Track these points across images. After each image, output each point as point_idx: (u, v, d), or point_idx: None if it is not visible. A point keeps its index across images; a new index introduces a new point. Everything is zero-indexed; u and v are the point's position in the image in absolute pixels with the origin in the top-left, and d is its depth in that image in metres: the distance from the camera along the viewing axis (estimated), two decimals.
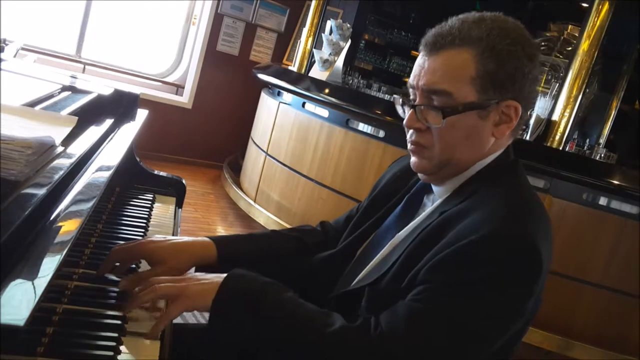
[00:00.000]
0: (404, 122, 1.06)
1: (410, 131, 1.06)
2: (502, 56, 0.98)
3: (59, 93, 1.44)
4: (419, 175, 1.11)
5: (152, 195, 1.67)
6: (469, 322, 0.89)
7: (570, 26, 5.75)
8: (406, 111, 1.07)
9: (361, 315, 1.00)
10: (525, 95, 1.02)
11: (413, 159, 1.09)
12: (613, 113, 5.53)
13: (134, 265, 1.17)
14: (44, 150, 0.90)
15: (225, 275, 0.99)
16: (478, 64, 0.98)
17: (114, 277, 1.10)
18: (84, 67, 5.03)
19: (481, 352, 0.92)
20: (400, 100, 1.09)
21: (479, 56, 0.98)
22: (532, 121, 3.75)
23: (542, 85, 5.42)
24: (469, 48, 0.99)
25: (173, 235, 1.48)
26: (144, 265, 1.17)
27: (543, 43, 5.80)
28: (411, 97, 1.06)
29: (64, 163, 0.97)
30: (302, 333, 0.93)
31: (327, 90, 3.96)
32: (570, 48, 5.52)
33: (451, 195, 1.06)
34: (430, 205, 1.12)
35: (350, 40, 4.76)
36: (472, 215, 0.95)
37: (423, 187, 1.16)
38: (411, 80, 1.06)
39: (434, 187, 1.12)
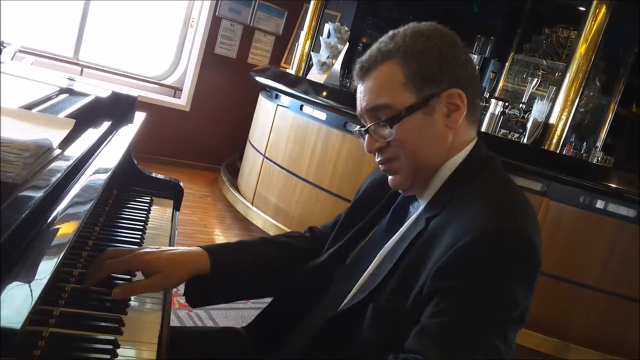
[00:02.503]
0: (365, 149, 1.11)
1: (376, 154, 1.11)
2: (422, 53, 1.04)
3: (57, 95, 1.44)
4: (400, 192, 1.14)
5: (149, 198, 1.67)
6: (494, 320, 0.88)
7: (560, 28, 5.78)
8: (365, 138, 1.11)
9: (366, 334, 0.99)
10: (461, 80, 1.05)
11: (389, 178, 1.13)
12: (610, 116, 5.55)
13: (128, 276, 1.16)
14: (41, 153, 0.90)
15: None
16: (403, 69, 1.04)
17: (115, 281, 1.10)
18: (82, 70, 5.02)
19: (512, 345, 0.91)
20: (358, 131, 1.13)
21: (402, 62, 1.04)
22: (529, 124, 3.75)
23: (538, 88, 5.43)
24: (391, 60, 1.05)
25: (170, 238, 1.48)
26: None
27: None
28: (363, 125, 1.11)
29: (62, 165, 0.97)
30: None
31: (324, 93, 3.97)
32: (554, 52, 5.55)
33: (433, 199, 1.07)
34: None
35: (348, 43, 4.77)
36: (461, 217, 0.96)
37: (407, 197, 1.17)
38: (357, 110, 1.12)
39: (417, 195, 1.13)
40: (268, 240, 1.37)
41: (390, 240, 1.09)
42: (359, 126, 1.13)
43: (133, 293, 1.07)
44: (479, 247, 0.90)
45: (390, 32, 1.10)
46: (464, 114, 1.05)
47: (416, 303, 0.95)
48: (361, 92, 1.10)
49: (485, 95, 4.96)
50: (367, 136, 1.09)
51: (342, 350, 1.03)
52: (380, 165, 1.12)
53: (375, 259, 1.10)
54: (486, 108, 4.06)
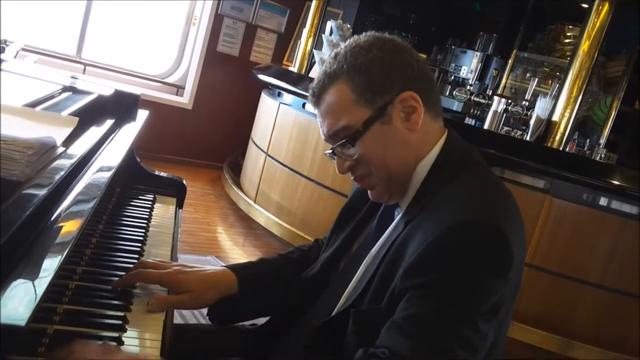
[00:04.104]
0: (337, 171, 1.12)
1: (349, 174, 1.12)
2: (366, 66, 1.05)
3: (60, 94, 1.44)
4: (383, 203, 1.15)
5: (152, 196, 1.67)
6: (461, 309, 0.88)
7: (556, 25, 5.79)
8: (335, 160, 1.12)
9: (350, 340, 1.00)
10: (411, 81, 1.05)
11: (368, 192, 1.14)
12: (613, 114, 5.53)
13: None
14: (45, 151, 0.91)
15: None
16: (351, 87, 1.05)
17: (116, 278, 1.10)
18: (85, 68, 5.03)
19: (487, 338, 0.91)
20: (328, 154, 1.14)
21: (348, 80, 1.05)
22: (532, 121, 3.75)
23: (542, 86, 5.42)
24: (337, 81, 1.06)
25: (173, 236, 1.49)
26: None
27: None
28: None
29: (65, 163, 0.97)
30: None
31: None
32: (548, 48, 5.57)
33: (411, 204, 1.07)
34: None
35: None
36: (434, 216, 0.97)
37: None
38: (322, 135, 1.13)
39: (399, 201, 1.14)
40: (285, 257, 1.39)
41: (375, 247, 1.10)
42: (327, 150, 1.13)
43: (166, 307, 1.10)
44: (445, 242, 0.91)
45: (333, 53, 1.11)
46: (422, 112, 1.05)
47: (389, 303, 0.95)
48: (319, 117, 1.11)
49: (488, 92, 4.95)
50: (336, 158, 1.10)
51: (334, 356, 1.04)
52: (357, 184, 1.14)
53: (362, 265, 1.11)
54: (489, 105, 4.05)
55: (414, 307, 0.89)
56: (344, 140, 1.05)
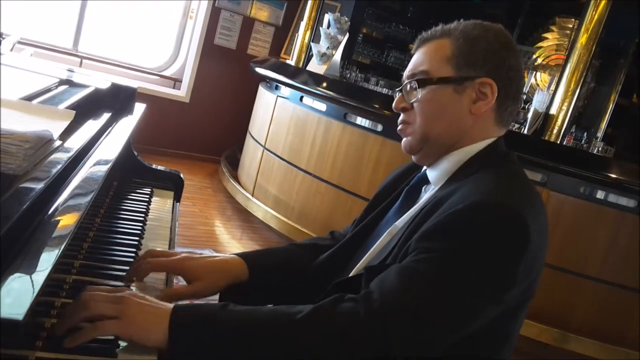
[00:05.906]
0: (393, 105, 1.17)
1: (400, 114, 1.16)
2: (474, 39, 1.10)
3: (56, 87, 1.44)
4: (412, 157, 1.19)
5: (150, 190, 1.67)
6: (455, 284, 0.90)
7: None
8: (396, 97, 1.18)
9: None
10: (502, 77, 1.09)
11: (402, 140, 1.17)
12: (611, 107, 5.54)
13: None
14: (41, 144, 0.90)
15: (168, 305, 0.91)
16: (453, 47, 1.10)
17: (115, 272, 1.10)
18: (81, 61, 5.01)
19: (471, 318, 0.92)
20: (397, 89, 1.18)
21: (454, 41, 1.10)
22: (530, 115, 3.75)
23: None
24: (446, 37, 1.12)
25: (171, 229, 1.49)
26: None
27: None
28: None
29: (62, 157, 0.97)
30: (272, 330, 0.89)
31: (324, 84, 3.96)
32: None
33: (445, 183, 1.09)
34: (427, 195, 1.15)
35: (348, 34, 4.75)
36: (461, 192, 0.98)
37: (421, 179, 1.19)
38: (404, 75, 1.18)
39: (429, 175, 1.16)
40: (296, 244, 1.40)
41: (400, 219, 1.12)
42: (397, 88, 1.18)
43: (178, 299, 1.10)
44: (464, 215, 0.92)
45: (461, 20, 1.16)
46: (491, 104, 1.08)
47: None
48: (412, 60, 1.16)
49: None
50: (398, 95, 1.15)
51: None
52: (398, 127, 1.17)
53: (383, 236, 1.13)
54: None
55: (416, 263, 0.92)
56: (415, 81, 1.11)
